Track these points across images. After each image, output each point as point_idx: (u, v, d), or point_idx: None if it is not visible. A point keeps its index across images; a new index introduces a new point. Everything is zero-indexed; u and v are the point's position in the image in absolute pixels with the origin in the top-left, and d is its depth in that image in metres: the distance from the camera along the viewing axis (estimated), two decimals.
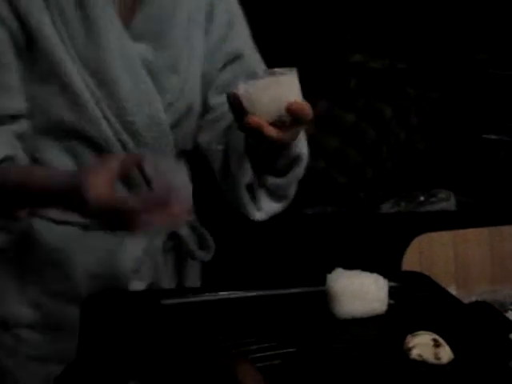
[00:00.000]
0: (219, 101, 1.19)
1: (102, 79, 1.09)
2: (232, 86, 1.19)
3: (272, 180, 1.11)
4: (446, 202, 2.30)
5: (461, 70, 2.73)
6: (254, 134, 0.94)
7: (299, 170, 1.13)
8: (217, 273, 1.39)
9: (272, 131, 0.93)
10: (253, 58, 1.24)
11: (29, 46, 1.08)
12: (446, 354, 0.83)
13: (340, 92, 2.54)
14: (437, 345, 0.84)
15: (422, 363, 0.83)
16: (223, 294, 1.01)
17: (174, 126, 1.16)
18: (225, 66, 1.21)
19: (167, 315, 0.95)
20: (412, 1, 2.79)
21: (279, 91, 0.92)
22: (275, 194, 1.15)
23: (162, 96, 1.14)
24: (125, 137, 1.12)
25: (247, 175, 1.10)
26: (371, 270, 0.98)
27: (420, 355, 0.83)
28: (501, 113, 2.61)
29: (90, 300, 0.97)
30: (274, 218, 2.39)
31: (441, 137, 2.62)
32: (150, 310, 0.95)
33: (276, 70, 0.95)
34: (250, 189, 1.13)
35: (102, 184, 0.90)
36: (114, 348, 0.85)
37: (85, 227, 1.14)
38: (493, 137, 2.56)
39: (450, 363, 0.83)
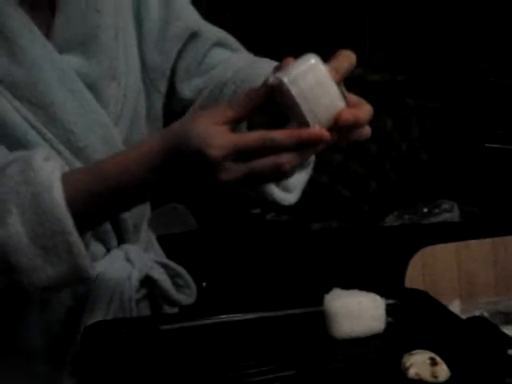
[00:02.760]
0: (197, 84, 1.07)
1: (40, 106, 0.94)
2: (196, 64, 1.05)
3: None
4: (450, 212, 2.30)
5: (461, 79, 2.73)
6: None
7: None
8: (217, 290, 1.36)
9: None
10: (213, 31, 1.10)
11: None
12: (443, 372, 0.83)
13: None
14: (434, 363, 0.84)
15: (420, 382, 0.83)
16: (223, 317, 1.01)
17: (125, 141, 1.03)
18: (184, 47, 1.08)
19: (166, 341, 0.95)
20: (410, 11, 2.79)
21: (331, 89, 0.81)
22: None
23: (105, 110, 1.00)
24: (77, 164, 0.97)
25: None
26: (373, 286, 0.98)
27: (417, 374, 0.83)
28: (503, 121, 2.61)
29: (88, 329, 0.97)
30: (279, 235, 2.39)
31: (443, 147, 2.62)
32: (148, 336, 0.96)
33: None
34: None
35: (213, 127, 0.78)
36: (111, 377, 0.86)
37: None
38: (495, 145, 2.56)
39: (448, 381, 0.83)
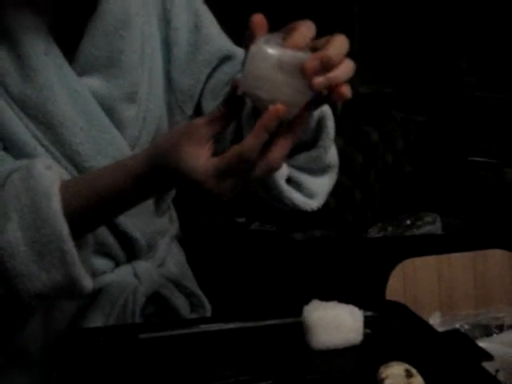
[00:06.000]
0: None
1: (48, 125, 0.97)
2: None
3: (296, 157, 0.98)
4: (432, 225, 2.31)
5: (447, 93, 2.75)
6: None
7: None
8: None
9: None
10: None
11: None
12: None
13: None
14: (409, 375, 0.84)
15: None
16: (202, 327, 1.02)
17: None
18: (214, 70, 1.08)
19: (144, 350, 0.95)
20: (396, 25, 2.81)
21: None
22: (315, 169, 1.01)
23: (122, 132, 1.02)
24: None
25: (283, 168, 0.96)
26: (352, 297, 0.99)
27: None
28: (486, 135, 2.64)
29: (67, 338, 0.97)
30: (263, 244, 2.39)
31: (427, 160, 2.64)
32: (127, 344, 0.96)
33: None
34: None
35: (198, 154, 0.79)
36: None
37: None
38: (478, 159, 2.59)
39: None
